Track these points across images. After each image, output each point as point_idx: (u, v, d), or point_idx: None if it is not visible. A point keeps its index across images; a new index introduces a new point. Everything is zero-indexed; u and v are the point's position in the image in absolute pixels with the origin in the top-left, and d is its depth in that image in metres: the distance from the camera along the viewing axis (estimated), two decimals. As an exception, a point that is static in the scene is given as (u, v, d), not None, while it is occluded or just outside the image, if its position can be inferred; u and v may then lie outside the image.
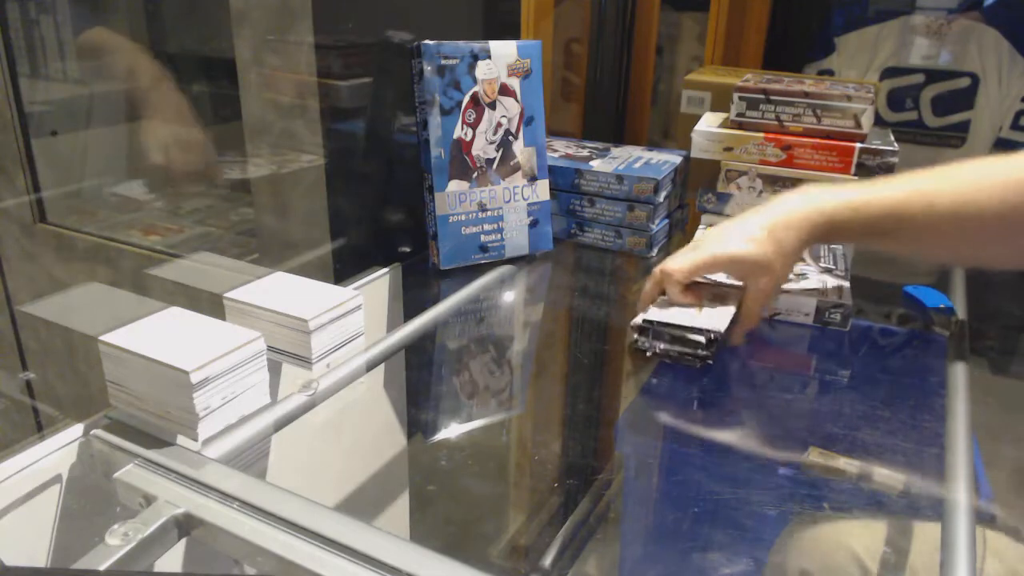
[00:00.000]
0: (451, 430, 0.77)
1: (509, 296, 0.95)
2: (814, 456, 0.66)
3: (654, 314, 0.76)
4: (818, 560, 0.62)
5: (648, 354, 0.76)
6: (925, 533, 0.60)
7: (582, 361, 0.91)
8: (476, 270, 0.94)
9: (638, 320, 0.76)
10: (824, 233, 0.70)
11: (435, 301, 0.86)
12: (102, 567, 0.44)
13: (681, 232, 1.10)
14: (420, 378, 0.84)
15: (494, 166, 0.93)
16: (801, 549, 0.63)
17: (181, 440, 0.56)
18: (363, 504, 0.87)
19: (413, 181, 0.93)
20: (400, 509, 0.91)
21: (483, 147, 0.92)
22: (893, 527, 0.62)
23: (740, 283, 0.76)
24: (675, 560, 0.65)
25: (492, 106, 0.92)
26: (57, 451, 0.55)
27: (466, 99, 0.90)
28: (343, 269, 0.92)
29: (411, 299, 0.92)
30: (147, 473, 0.53)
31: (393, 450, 0.90)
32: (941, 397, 0.70)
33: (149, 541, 0.47)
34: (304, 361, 0.65)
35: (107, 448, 0.55)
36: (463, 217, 0.92)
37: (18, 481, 0.53)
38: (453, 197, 0.91)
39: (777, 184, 0.96)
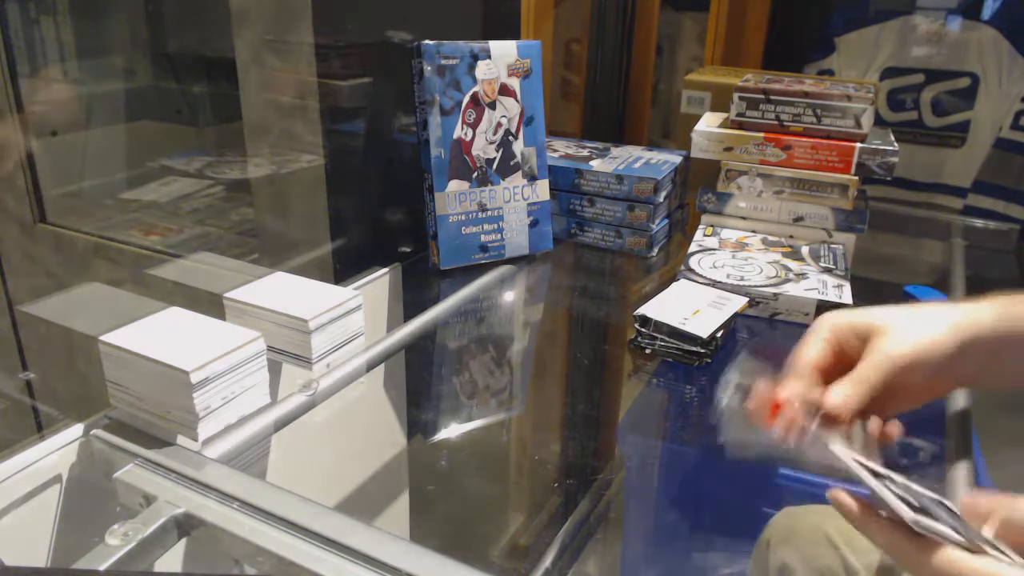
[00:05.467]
0: (451, 430, 0.77)
1: (509, 296, 0.95)
2: None
3: (653, 312, 0.76)
4: (798, 549, 0.63)
5: (647, 351, 0.76)
6: None
7: (582, 361, 0.91)
8: (476, 270, 0.94)
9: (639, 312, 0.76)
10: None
11: (435, 301, 0.86)
12: (102, 567, 0.44)
13: (681, 232, 1.10)
14: (420, 378, 0.84)
15: (494, 166, 0.93)
16: (782, 539, 0.63)
17: (181, 440, 0.56)
18: (363, 504, 0.87)
19: (413, 181, 0.93)
20: (400, 509, 0.91)
21: (483, 147, 0.92)
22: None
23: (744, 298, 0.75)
24: (676, 559, 0.65)
25: (492, 106, 0.92)
26: (57, 451, 0.55)
27: (466, 99, 0.90)
28: (343, 269, 0.92)
29: (411, 299, 0.92)
30: (147, 473, 0.53)
31: (393, 450, 0.90)
32: (941, 396, 0.70)
33: (149, 541, 0.47)
34: (304, 361, 0.65)
35: (107, 448, 0.55)
36: (463, 217, 0.92)
37: (18, 481, 0.53)
38: (453, 197, 0.91)
39: (777, 184, 0.96)
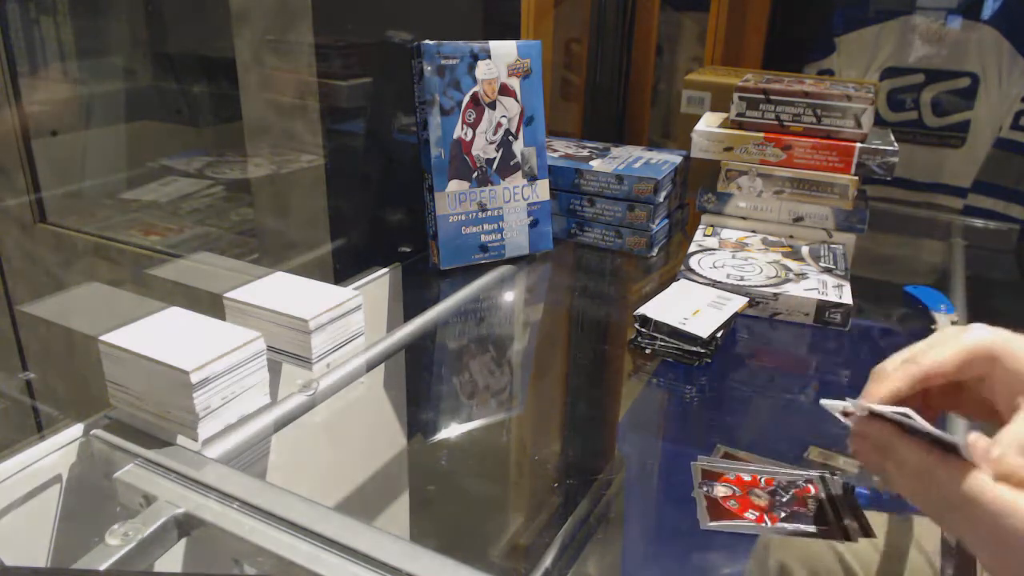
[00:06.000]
0: (451, 430, 0.77)
1: (509, 296, 0.95)
2: (814, 456, 0.66)
3: (653, 312, 0.76)
4: (797, 549, 0.63)
5: (647, 351, 0.76)
6: (900, 522, 0.60)
7: (582, 361, 0.91)
8: (476, 270, 0.94)
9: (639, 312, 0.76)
10: None
11: (435, 301, 0.86)
12: (102, 567, 0.44)
13: (681, 232, 1.10)
14: (420, 378, 0.84)
15: (494, 166, 0.93)
16: (782, 539, 0.63)
17: (181, 440, 0.56)
18: (363, 504, 0.87)
19: (413, 181, 0.93)
20: (400, 509, 0.91)
21: (483, 147, 0.92)
22: (871, 517, 0.62)
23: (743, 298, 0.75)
24: (676, 559, 0.65)
25: (492, 106, 0.92)
26: (57, 451, 0.55)
27: (466, 99, 0.90)
28: (343, 269, 0.92)
29: (411, 299, 0.92)
30: (147, 473, 0.53)
31: (393, 450, 0.90)
32: None
33: (149, 541, 0.47)
34: (304, 361, 0.65)
35: (107, 448, 0.55)
36: (463, 217, 0.92)
37: (18, 481, 0.53)
38: (453, 197, 0.91)
39: (777, 184, 0.96)
